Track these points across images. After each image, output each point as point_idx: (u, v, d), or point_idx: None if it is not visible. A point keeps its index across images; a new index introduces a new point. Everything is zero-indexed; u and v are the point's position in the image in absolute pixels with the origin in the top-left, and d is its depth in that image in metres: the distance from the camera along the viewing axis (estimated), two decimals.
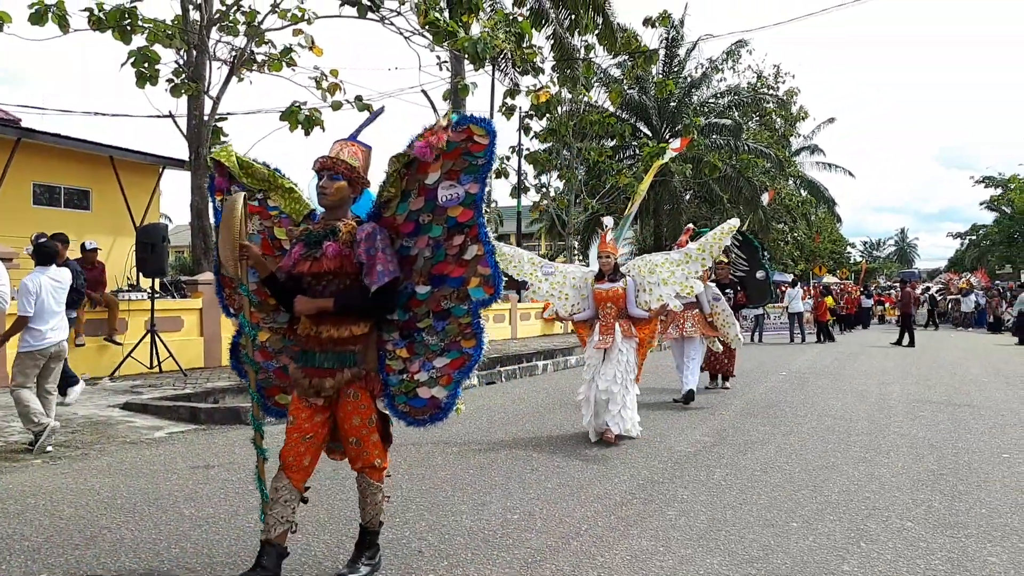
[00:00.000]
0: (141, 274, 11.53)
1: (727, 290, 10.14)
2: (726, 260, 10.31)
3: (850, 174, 42.98)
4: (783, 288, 24.57)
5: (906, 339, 20.76)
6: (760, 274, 10.83)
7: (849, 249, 62.11)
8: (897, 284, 37.61)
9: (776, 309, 23.65)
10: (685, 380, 8.93)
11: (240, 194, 3.55)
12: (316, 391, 3.45)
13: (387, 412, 3.76)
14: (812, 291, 26.87)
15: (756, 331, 22.42)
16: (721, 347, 9.80)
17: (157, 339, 10.75)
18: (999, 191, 37.64)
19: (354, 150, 3.54)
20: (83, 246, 10.95)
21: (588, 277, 7.15)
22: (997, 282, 37.30)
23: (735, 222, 6.87)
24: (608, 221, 7.18)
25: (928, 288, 35.58)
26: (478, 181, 3.41)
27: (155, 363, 10.80)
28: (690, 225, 9.23)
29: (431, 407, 3.66)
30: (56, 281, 6.42)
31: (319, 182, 3.48)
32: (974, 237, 46.01)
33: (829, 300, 23.50)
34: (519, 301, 19.34)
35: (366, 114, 13.09)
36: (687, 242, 8.39)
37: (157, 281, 11.46)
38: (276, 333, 3.90)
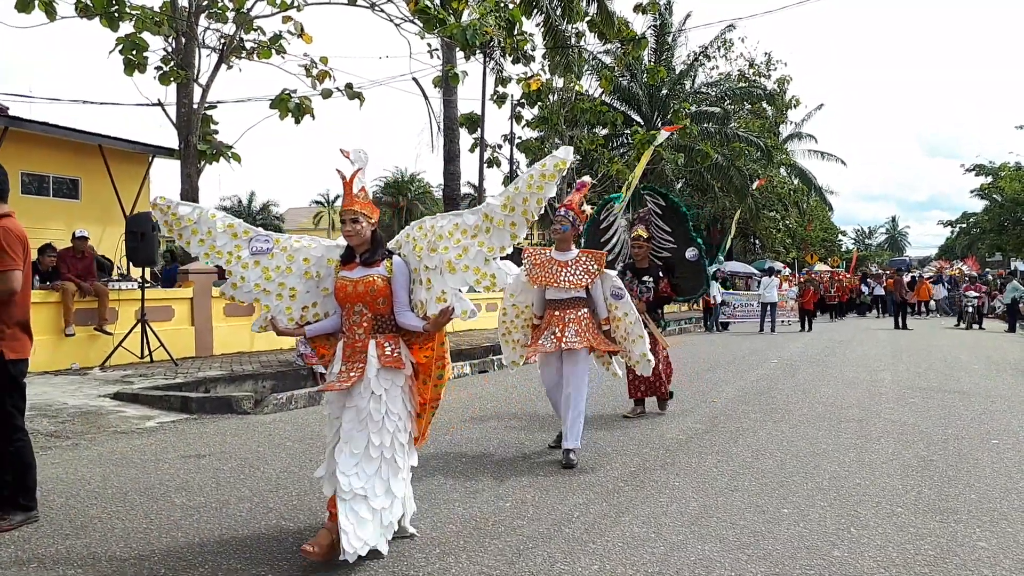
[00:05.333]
0: (131, 263, 11.49)
1: (646, 277, 7.44)
2: (645, 235, 7.51)
3: (842, 162, 43.14)
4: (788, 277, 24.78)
5: (901, 322, 22.86)
6: (691, 253, 7.72)
7: (841, 237, 62.34)
8: (889, 272, 37.82)
9: (743, 296, 23.48)
10: (565, 433, 5.64)
11: None
12: None
13: None
14: (798, 279, 27.01)
15: (715, 319, 22.22)
16: (620, 371, 6.41)
17: (148, 329, 10.71)
18: (989, 179, 37.74)
19: None
20: (73, 235, 10.95)
21: (332, 259, 4.03)
22: (987, 271, 37.54)
23: (565, 154, 3.87)
24: (358, 155, 3.86)
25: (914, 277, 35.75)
26: None
27: (146, 353, 10.76)
28: (586, 178, 6.04)
29: None
30: None
31: None
32: (964, 225, 46.18)
33: (784, 299, 23.47)
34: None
35: (356, 102, 13.01)
36: (579, 203, 5.84)
37: (147, 270, 11.41)
38: None
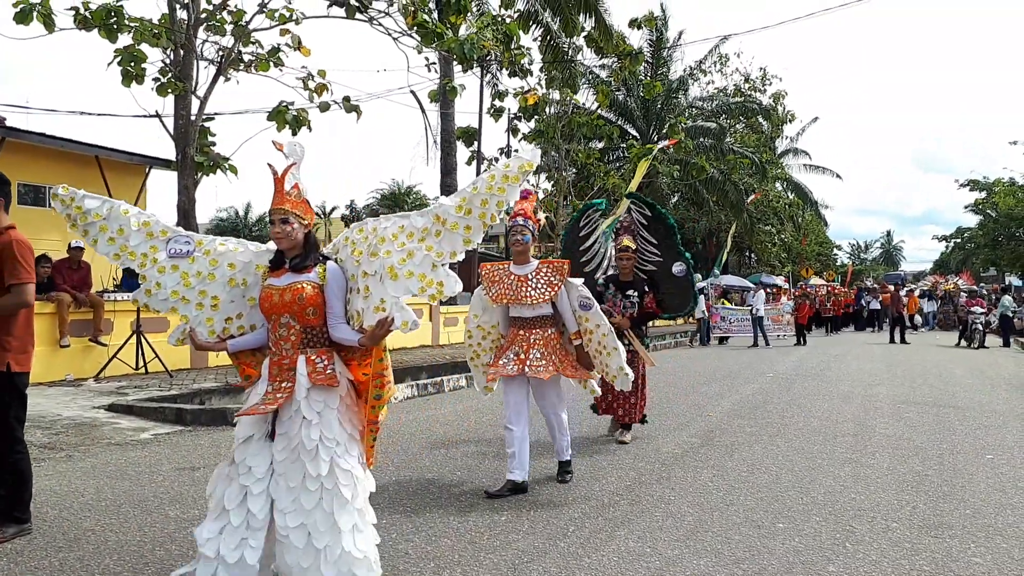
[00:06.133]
0: (126, 274, 11.49)
1: (630, 291, 6.90)
2: (632, 246, 6.99)
3: (838, 176, 43.41)
4: (776, 290, 24.83)
5: (897, 337, 22.80)
6: (678, 267, 7.11)
7: (836, 251, 62.56)
8: (881, 287, 37.94)
9: (740, 311, 23.48)
10: (557, 449, 5.57)
11: None
12: None
13: None
14: (793, 293, 27.11)
15: (703, 334, 22.33)
16: (599, 389, 5.63)
17: (143, 340, 10.69)
18: (983, 194, 37.94)
19: None
20: (69, 245, 10.95)
21: (261, 265, 3.63)
22: (981, 286, 37.67)
23: (531, 155, 3.61)
24: (293, 148, 3.52)
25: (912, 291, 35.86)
26: None
27: (141, 364, 10.73)
28: (527, 186, 5.19)
29: None
30: None
31: None
32: (959, 240, 46.37)
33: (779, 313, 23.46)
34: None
35: (353, 115, 13.01)
36: (533, 211, 5.44)
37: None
38: None
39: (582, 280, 5.44)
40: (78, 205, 3.58)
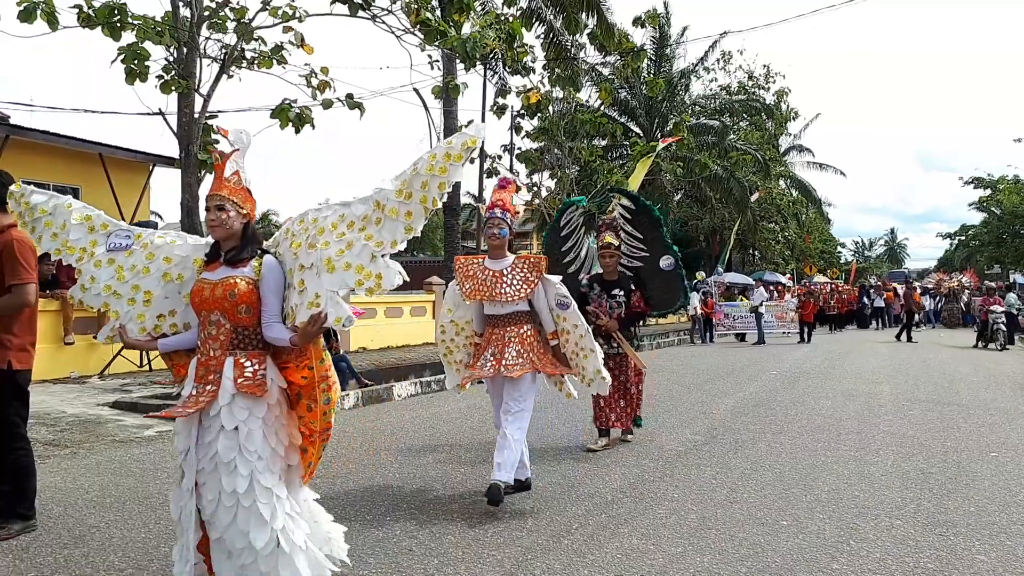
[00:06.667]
0: None
1: (616, 290, 6.55)
2: (615, 243, 6.57)
3: (842, 173, 43.35)
4: (780, 288, 24.77)
5: (904, 335, 22.38)
6: (666, 262, 6.75)
7: (840, 249, 62.49)
8: (882, 284, 37.91)
9: (743, 307, 23.45)
10: (497, 462, 4.71)
11: None
12: None
13: None
14: (796, 290, 27.09)
15: (706, 332, 22.36)
16: (575, 391, 5.33)
17: None
18: (987, 192, 37.90)
19: None
20: None
21: (200, 259, 3.35)
22: (985, 283, 37.63)
23: (476, 131, 3.30)
24: (239, 136, 3.34)
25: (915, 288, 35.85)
26: None
27: (145, 361, 10.76)
28: (509, 175, 4.94)
29: None
30: None
31: None
32: (963, 238, 46.32)
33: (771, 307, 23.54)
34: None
35: (356, 112, 13.00)
36: (511, 202, 5.17)
37: None
38: None
39: (560, 278, 5.19)
40: (26, 201, 3.47)
